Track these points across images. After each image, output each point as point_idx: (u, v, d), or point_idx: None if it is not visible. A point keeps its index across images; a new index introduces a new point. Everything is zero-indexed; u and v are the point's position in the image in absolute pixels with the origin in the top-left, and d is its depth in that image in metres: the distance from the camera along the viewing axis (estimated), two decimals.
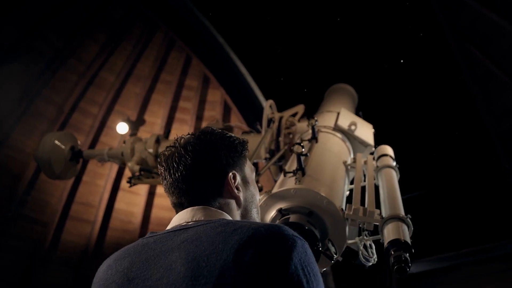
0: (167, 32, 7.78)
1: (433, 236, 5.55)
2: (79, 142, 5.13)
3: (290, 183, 2.32)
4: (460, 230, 5.44)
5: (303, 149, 2.36)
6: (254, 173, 1.60)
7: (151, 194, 7.69)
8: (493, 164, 5.58)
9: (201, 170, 1.38)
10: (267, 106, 3.69)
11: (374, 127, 3.68)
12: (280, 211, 2.17)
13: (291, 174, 2.40)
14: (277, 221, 2.16)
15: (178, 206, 1.39)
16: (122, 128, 7.17)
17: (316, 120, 2.99)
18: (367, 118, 3.87)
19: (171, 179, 1.39)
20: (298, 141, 3.29)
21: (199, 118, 7.91)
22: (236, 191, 1.41)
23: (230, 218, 1.36)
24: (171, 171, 1.39)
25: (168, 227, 1.32)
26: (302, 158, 2.53)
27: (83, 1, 6.95)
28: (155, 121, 7.80)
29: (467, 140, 6.14)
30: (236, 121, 7.77)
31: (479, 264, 5.19)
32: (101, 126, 7.46)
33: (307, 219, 2.11)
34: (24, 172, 6.66)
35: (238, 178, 1.44)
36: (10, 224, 6.62)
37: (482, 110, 6.04)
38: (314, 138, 2.96)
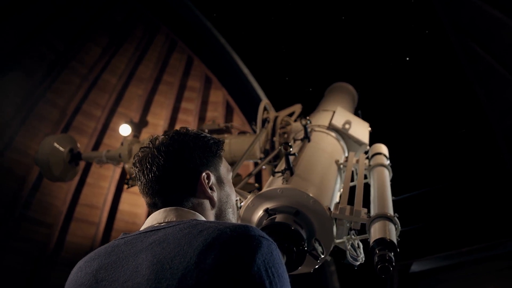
0: (168, 34, 7.81)
1: (434, 234, 5.51)
2: (78, 145, 5.16)
3: (278, 183, 2.32)
4: (461, 228, 5.39)
5: (291, 149, 2.36)
6: (231, 174, 1.59)
7: None
8: (495, 162, 5.52)
9: (174, 170, 1.38)
10: (262, 106, 3.69)
11: (379, 126, 3.67)
12: (266, 211, 2.17)
13: (280, 174, 2.40)
14: (264, 221, 2.16)
15: (152, 207, 1.39)
16: (125, 130, 7.19)
17: (309, 120, 2.98)
18: (372, 116, 3.85)
19: (144, 180, 1.39)
20: (292, 140, 3.30)
21: (201, 119, 7.92)
22: (209, 191, 1.41)
23: (203, 218, 1.35)
24: (145, 172, 1.39)
25: (141, 228, 1.32)
26: (292, 157, 2.53)
27: (83, 5, 7.00)
28: (157, 122, 7.83)
29: (470, 138, 6.09)
30: (239, 121, 7.78)
31: (480, 262, 5.13)
32: (104, 128, 7.51)
33: (293, 218, 2.10)
34: (29, 175, 6.73)
35: (212, 178, 1.44)
36: (16, 226, 6.69)
37: (485, 107, 5.99)
38: (306, 138, 2.96)
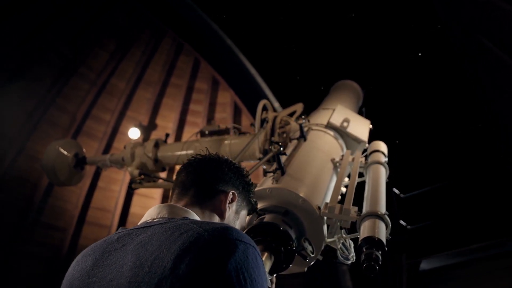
0: (175, 37, 7.86)
1: (443, 232, 5.42)
2: (84, 150, 5.23)
3: (269, 183, 2.31)
4: (471, 225, 5.29)
5: (281, 148, 2.35)
6: (245, 225, 1.74)
7: (165, 198, 7.77)
8: (504, 158, 5.40)
9: (216, 172, 1.56)
10: (260, 105, 3.68)
11: (389, 123, 3.63)
12: (256, 211, 2.16)
13: (272, 173, 2.39)
14: (254, 221, 2.15)
15: (180, 186, 1.54)
16: (134, 133, 7.26)
17: (304, 119, 2.98)
18: (382, 114, 3.81)
19: (187, 171, 1.57)
20: (289, 140, 3.29)
21: (210, 120, 7.94)
22: (227, 205, 1.51)
23: (195, 216, 1.39)
24: (193, 164, 1.58)
25: (139, 222, 1.38)
26: (284, 157, 2.53)
27: (89, 12, 7.10)
28: (166, 125, 7.88)
29: (478, 134, 5.97)
30: (247, 121, 7.79)
31: (490, 259, 5.04)
32: (114, 132, 7.58)
33: (282, 218, 2.09)
34: (41, 180, 6.82)
35: (234, 204, 1.56)
36: (30, 231, 6.80)
37: (494, 101, 5.88)
38: (302, 137, 2.95)
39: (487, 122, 5.69)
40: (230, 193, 1.54)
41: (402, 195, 5.39)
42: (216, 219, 1.49)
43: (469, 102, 6.27)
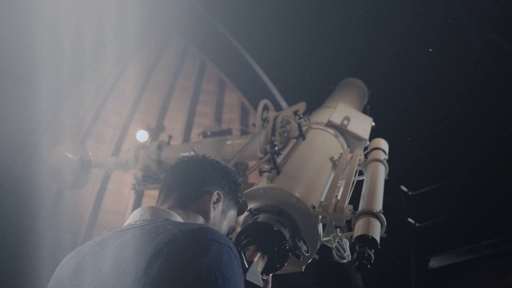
0: (181, 39, 7.88)
1: (452, 229, 5.35)
2: (90, 153, 5.28)
3: (264, 182, 2.31)
4: (479, 222, 5.20)
5: (276, 148, 2.34)
6: (234, 225, 1.69)
7: None
8: None
9: (200, 174, 1.56)
10: (261, 105, 3.68)
11: (398, 119, 3.59)
12: (250, 211, 2.16)
13: (267, 173, 2.38)
14: (249, 221, 2.15)
15: (166, 189, 1.55)
16: (142, 136, 7.27)
17: (302, 117, 2.96)
18: (392, 110, 3.77)
19: (173, 172, 1.59)
20: (288, 139, 3.28)
21: (218, 121, 7.95)
22: (211, 205, 1.51)
23: (177, 218, 1.39)
24: (179, 167, 1.61)
25: (124, 224, 1.38)
26: (280, 156, 2.52)
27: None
28: (174, 127, 7.89)
29: (488, 131, 5.87)
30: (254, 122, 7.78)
31: (500, 256, 4.96)
32: (122, 135, 7.63)
33: (276, 218, 2.08)
34: (51, 184, 6.89)
35: (220, 204, 1.56)
36: (40, 235, 6.87)
37: (506, 96, 5.79)
38: (301, 136, 2.94)
39: (499, 119, 5.60)
40: (215, 193, 1.54)
41: (410, 193, 5.33)
42: (201, 220, 1.49)
43: (481, 98, 6.18)
